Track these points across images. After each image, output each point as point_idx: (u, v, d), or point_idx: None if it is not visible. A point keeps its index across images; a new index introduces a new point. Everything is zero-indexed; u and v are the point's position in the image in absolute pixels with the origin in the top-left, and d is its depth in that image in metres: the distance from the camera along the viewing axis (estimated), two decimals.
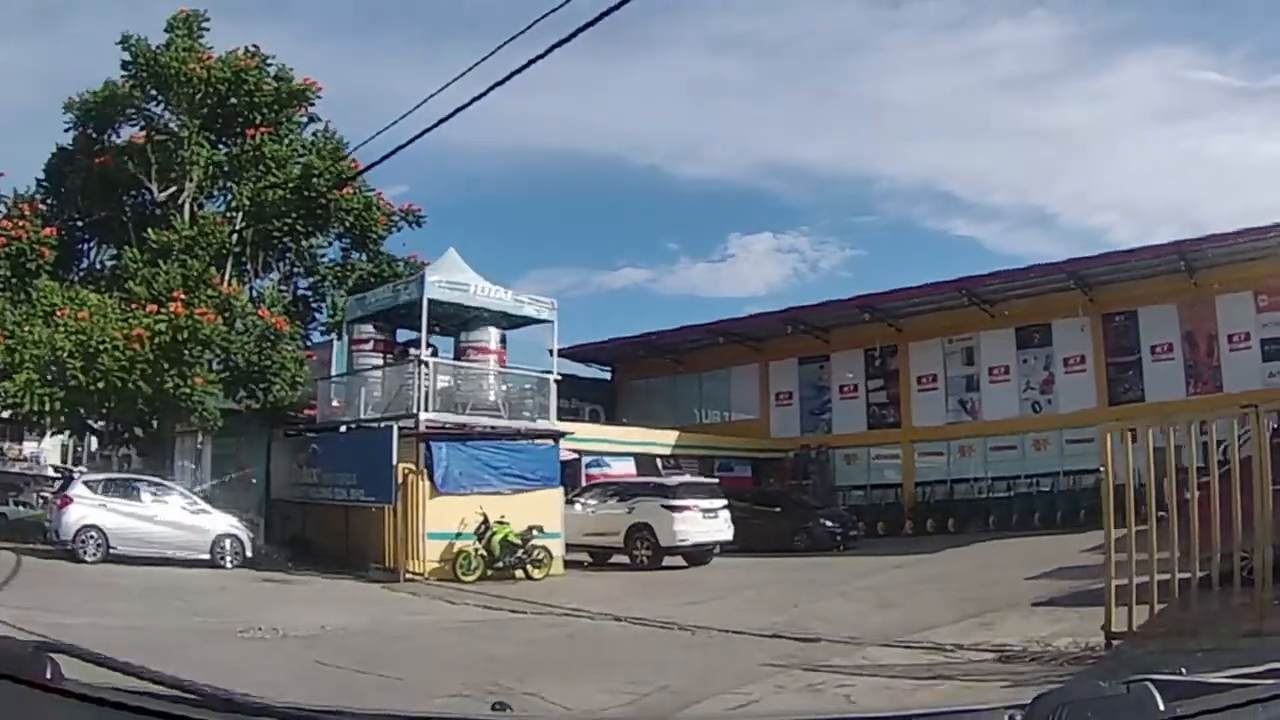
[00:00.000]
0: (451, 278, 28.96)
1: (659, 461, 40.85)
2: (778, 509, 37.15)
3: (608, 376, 56.94)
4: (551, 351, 33.87)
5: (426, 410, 27.28)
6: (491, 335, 29.90)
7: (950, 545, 32.88)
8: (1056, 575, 21.46)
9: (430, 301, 28.02)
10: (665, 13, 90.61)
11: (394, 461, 26.17)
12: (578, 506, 30.74)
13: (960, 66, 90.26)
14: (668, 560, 29.24)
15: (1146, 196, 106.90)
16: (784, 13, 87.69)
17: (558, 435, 29.72)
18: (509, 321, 30.80)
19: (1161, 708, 1.99)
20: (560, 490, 29.08)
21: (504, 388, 29.89)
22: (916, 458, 45.38)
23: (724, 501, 30.84)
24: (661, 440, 42.99)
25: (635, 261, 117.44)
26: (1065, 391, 42.11)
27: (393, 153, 17.20)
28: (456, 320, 30.29)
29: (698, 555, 29.75)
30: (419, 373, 27.52)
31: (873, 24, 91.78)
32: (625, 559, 29.65)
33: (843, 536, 35.81)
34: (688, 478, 34.23)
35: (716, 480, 34.46)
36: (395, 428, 26.70)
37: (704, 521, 29.63)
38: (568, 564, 28.37)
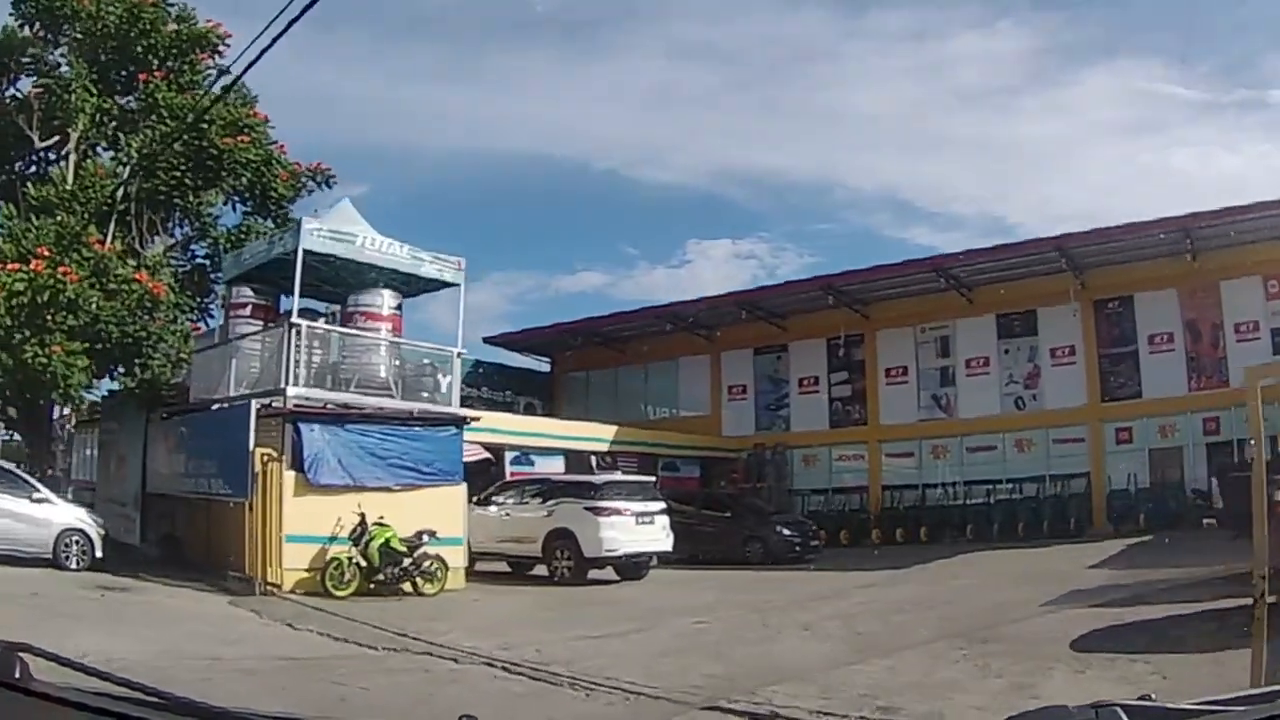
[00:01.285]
0: (338, 228, 23.85)
1: (594, 459, 36.60)
2: (727, 514, 33.37)
3: (546, 368, 52.74)
4: (459, 321, 28.61)
5: (296, 385, 22.26)
6: (384, 299, 24.76)
7: (926, 558, 28.83)
8: (1074, 601, 17.60)
9: (310, 256, 23.04)
10: (629, 19, 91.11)
11: (250, 446, 21.41)
12: (491, 508, 26.93)
13: (922, 77, 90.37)
14: (596, 574, 25.15)
15: (1107, 208, 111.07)
16: (747, 20, 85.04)
17: (461, 421, 24.91)
18: (407, 284, 25.60)
19: None
20: (463, 488, 24.40)
21: (398, 363, 25.00)
22: (884, 459, 41.75)
23: (662, 505, 26.84)
24: (597, 435, 38.49)
25: (594, 266, 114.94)
26: (1052, 386, 38.81)
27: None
28: (347, 283, 25.36)
29: (630, 568, 25.61)
30: (288, 339, 22.48)
31: (836, 33, 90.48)
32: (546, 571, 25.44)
33: (801, 547, 32.00)
34: (619, 476, 30.15)
35: (653, 479, 29.97)
36: (253, 405, 21.94)
37: (637, 528, 25.33)
38: (477, 575, 24.75)
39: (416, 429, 23.85)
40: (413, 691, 11.65)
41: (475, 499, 26.49)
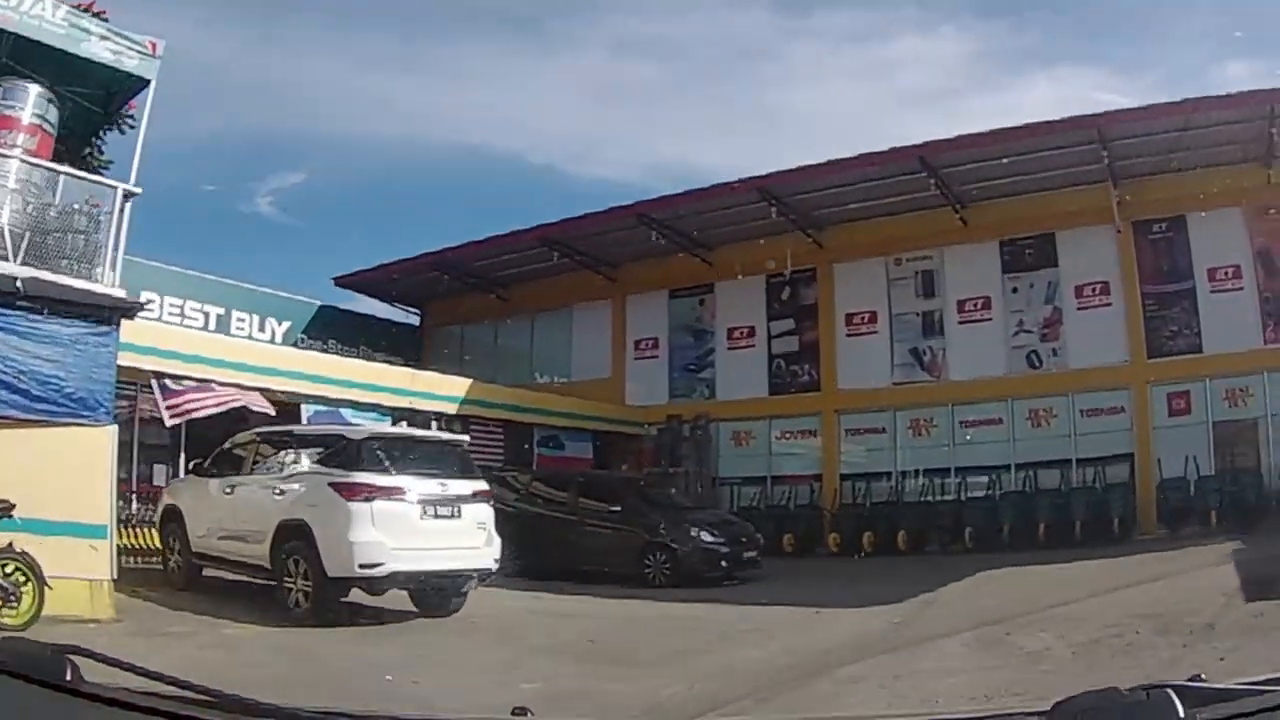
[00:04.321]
0: None
1: (435, 425, 26.38)
2: (616, 509, 24.04)
3: (415, 321, 43.36)
4: (139, 137, 18.11)
5: None
6: (21, 96, 16.26)
7: (925, 579, 19.77)
8: None
9: None
10: (575, 12, 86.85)
11: None
12: (213, 482, 17.51)
13: (865, 78, 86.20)
14: (371, 599, 15.70)
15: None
16: (692, 17, 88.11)
17: (119, 311, 15.29)
18: (67, 74, 16.92)
19: (1181, 714, 1.98)
20: (111, 431, 15.10)
21: (26, 203, 15.31)
22: (845, 437, 32.81)
23: (481, 486, 16.92)
24: (441, 391, 28.66)
25: None
26: (1079, 337, 30.16)
27: None
28: None
29: (431, 595, 16.37)
30: None
31: (781, 33, 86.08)
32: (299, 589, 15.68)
33: (730, 560, 23.00)
34: (403, 429, 21.11)
35: (463, 439, 19.28)
36: None
37: (425, 525, 15.61)
38: (201, 589, 17.17)
39: (37, 320, 14.36)
40: None
41: (195, 464, 18.96)
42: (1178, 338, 28.67)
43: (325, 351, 31.36)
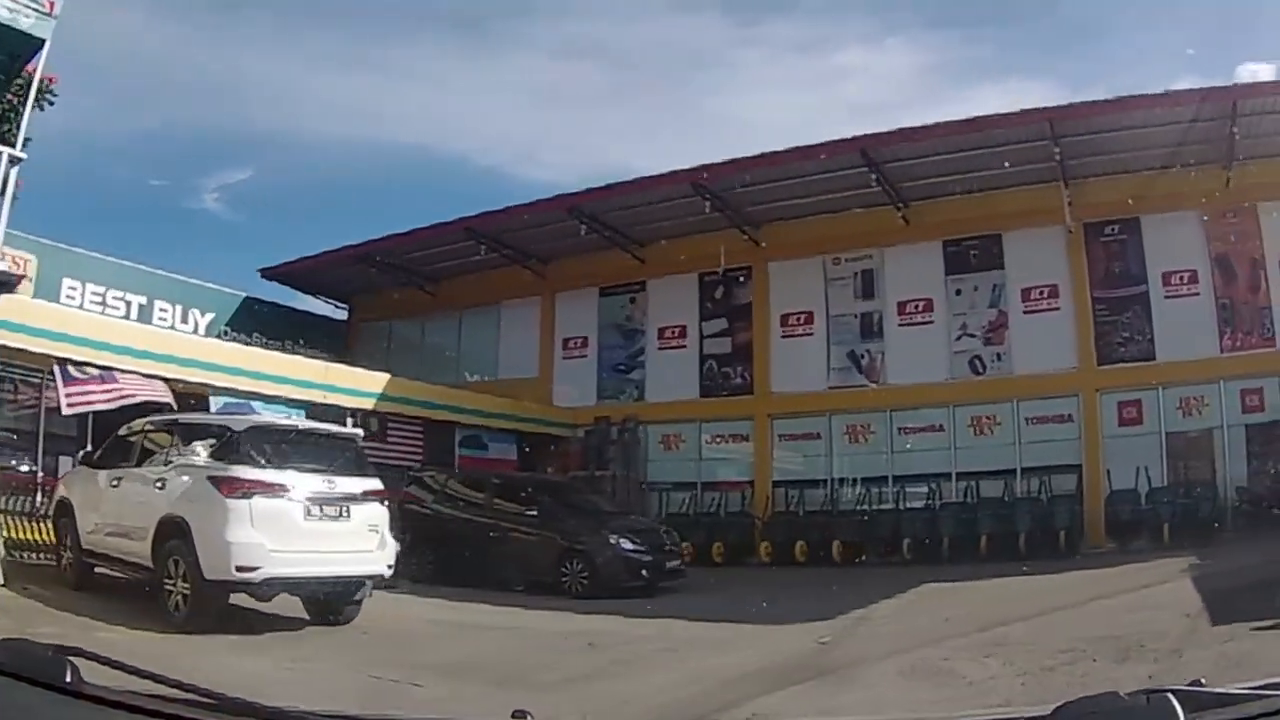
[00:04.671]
0: None
1: (350, 421, 24.73)
2: (533, 513, 22.75)
3: (343, 316, 41.70)
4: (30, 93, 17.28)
5: None
6: None
7: (863, 594, 18.63)
8: None
9: None
10: (522, 15, 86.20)
11: None
12: (102, 475, 16.04)
13: (811, 88, 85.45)
14: (260, 604, 14.36)
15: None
16: (640, 23, 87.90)
17: None
18: None
19: (1182, 719, 2.03)
20: None
21: None
22: (778, 442, 31.47)
23: (374, 485, 15.46)
24: (358, 386, 27.19)
25: None
26: (1026, 342, 29.16)
27: None
28: None
29: (324, 600, 14.96)
30: None
31: (728, 41, 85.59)
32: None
33: (652, 569, 21.84)
34: (292, 419, 19.38)
35: (357, 433, 17.37)
36: None
37: (311, 527, 14.23)
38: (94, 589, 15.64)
39: None
40: None
41: (84, 454, 17.70)
42: (1130, 344, 27.87)
43: (249, 345, 30.39)
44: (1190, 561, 19.57)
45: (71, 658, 2.50)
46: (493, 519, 22.41)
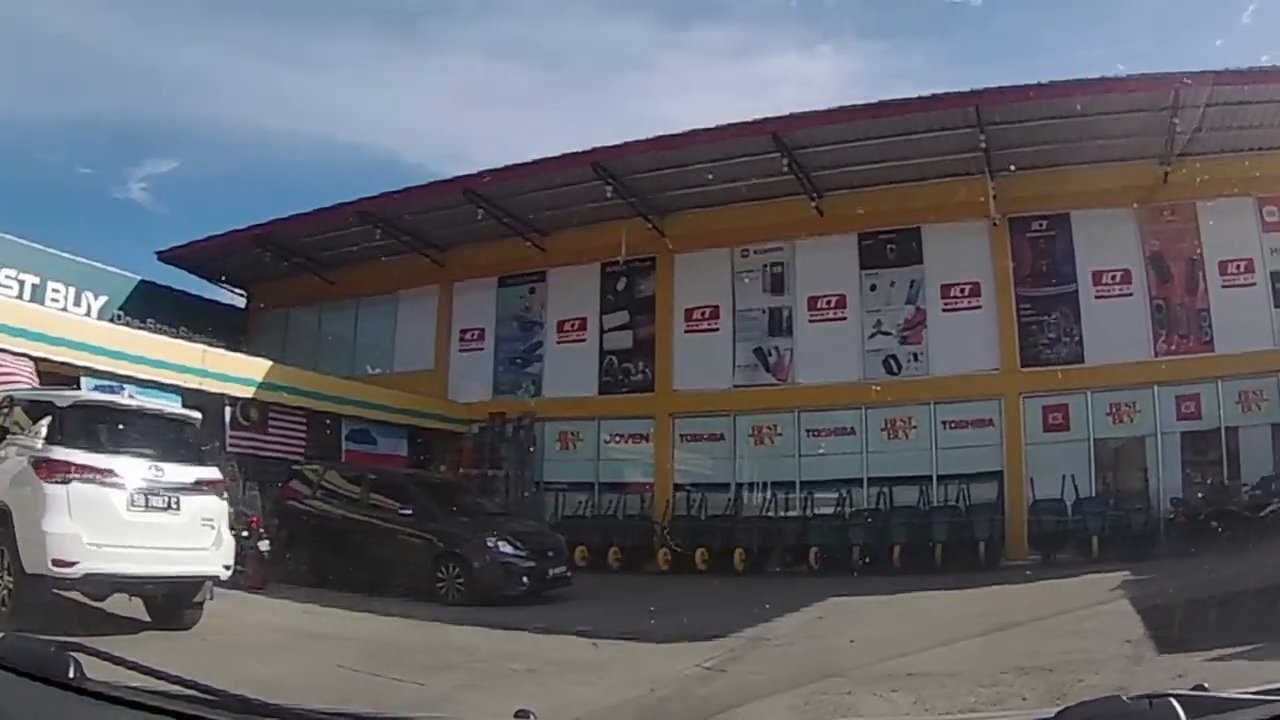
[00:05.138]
0: None
1: (229, 411, 25.20)
2: (408, 512, 20.83)
3: (241, 302, 40.14)
4: None
5: None
6: None
7: (761, 606, 16.90)
8: None
9: None
10: (453, 12, 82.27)
11: None
12: None
13: (739, 94, 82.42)
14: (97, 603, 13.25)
15: None
16: (569, 24, 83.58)
17: None
18: None
19: None
20: None
21: None
22: (680, 442, 30.12)
23: (210, 474, 14.15)
24: (237, 372, 25.82)
25: None
26: (945, 341, 28.08)
27: None
28: None
29: (163, 602, 13.68)
30: None
31: (656, 44, 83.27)
32: None
33: (534, 576, 20.07)
34: (125, 397, 17.03)
35: (194, 415, 15.60)
36: None
37: (135, 519, 12.81)
38: None
39: None
40: None
41: None
42: (1056, 345, 26.96)
43: (143, 329, 28.96)
44: (1124, 578, 18.49)
45: (73, 654, 2.52)
46: (367, 518, 20.88)
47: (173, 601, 13.46)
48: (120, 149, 75.15)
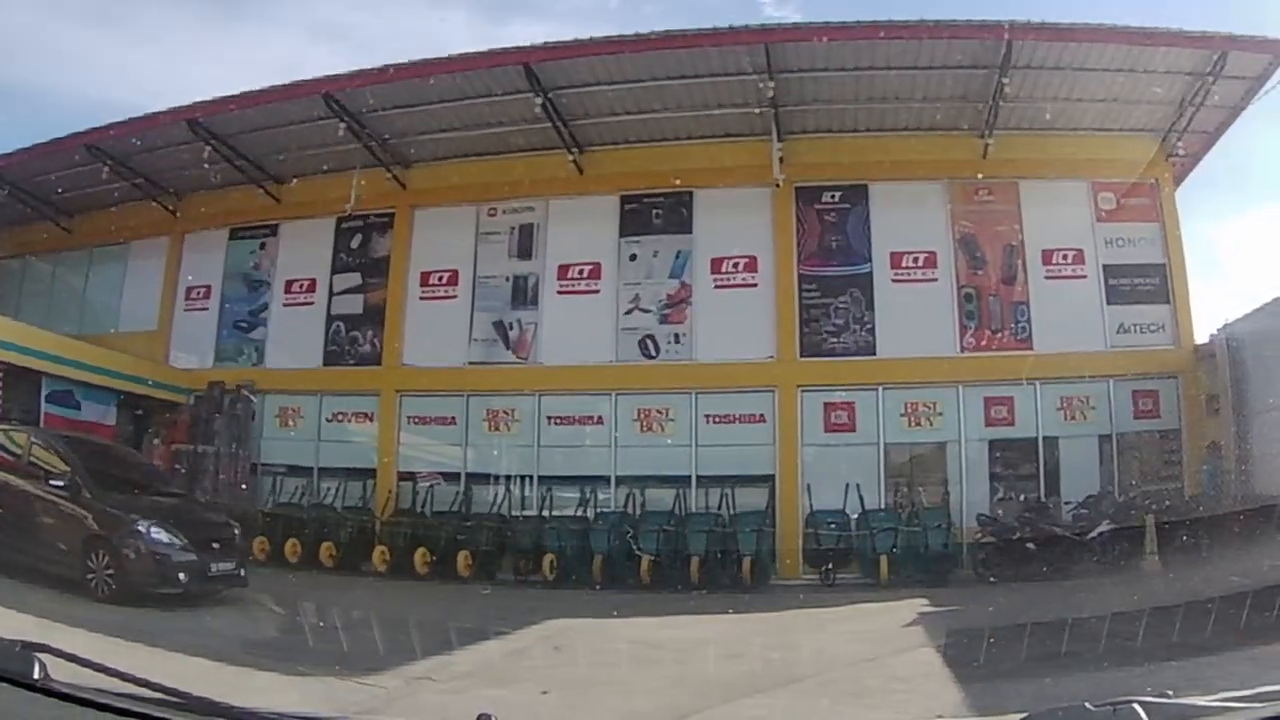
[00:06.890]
0: None
1: None
2: (59, 484, 17.07)
3: None
4: None
5: None
6: None
7: (467, 626, 15.11)
8: None
9: None
10: None
11: None
12: None
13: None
14: None
15: None
16: (391, 12, 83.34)
17: None
18: None
19: None
20: None
21: None
22: (407, 424, 27.00)
23: None
24: None
25: None
26: (712, 322, 25.43)
27: None
28: None
29: None
30: None
31: (475, 38, 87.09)
32: None
33: (193, 572, 16.42)
34: None
35: None
36: None
37: None
38: None
39: None
40: None
41: None
42: (844, 334, 24.61)
43: None
44: (921, 608, 16.68)
45: (39, 654, 2.53)
46: (21, 490, 16.97)
47: None
48: None
